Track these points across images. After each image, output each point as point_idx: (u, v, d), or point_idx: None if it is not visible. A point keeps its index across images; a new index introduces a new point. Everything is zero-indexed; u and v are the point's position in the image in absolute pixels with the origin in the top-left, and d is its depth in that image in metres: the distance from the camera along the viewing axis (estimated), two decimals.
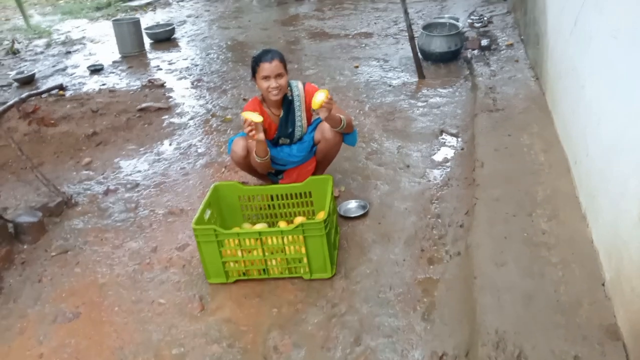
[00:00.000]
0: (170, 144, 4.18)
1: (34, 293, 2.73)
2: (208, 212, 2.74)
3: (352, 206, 3.11)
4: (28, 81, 5.99)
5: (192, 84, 5.43)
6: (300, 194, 2.87)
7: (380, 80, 4.96)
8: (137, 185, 3.63)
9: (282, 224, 2.88)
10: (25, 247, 3.08)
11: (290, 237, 2.50)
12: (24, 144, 4.16)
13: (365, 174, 3.45)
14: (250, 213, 2.96)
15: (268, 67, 2.76)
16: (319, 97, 2.67)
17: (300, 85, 2.98)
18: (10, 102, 4.66)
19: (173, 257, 2.89)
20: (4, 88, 5.91)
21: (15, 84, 5.97)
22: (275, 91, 2.82)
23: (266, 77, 2.78)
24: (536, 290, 2.16)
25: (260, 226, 2.86)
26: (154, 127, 4.50)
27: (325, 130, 2.97)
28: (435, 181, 3.30)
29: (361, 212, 3.03)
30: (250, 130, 2.66)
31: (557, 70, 3.34)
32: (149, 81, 5.51)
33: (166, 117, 4.68)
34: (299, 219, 2.84)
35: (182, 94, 5.19)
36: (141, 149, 4.14)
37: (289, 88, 2.95)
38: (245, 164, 3.04)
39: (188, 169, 3.78)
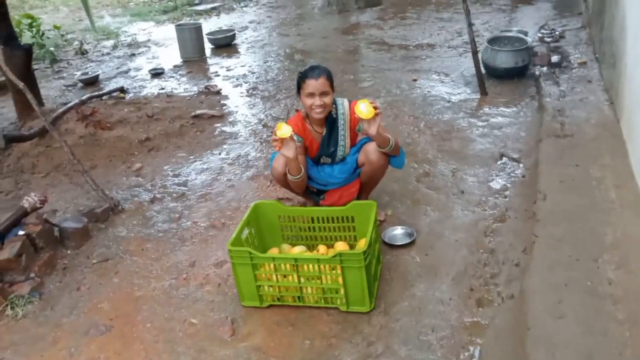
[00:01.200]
0: (219, 154, 4.15)
1: (71, 301, 2.73)
2: (246, 231, 2.65)
3: (397, 233, 2.93)
4: (92, 82, 6.18)
5: (248, 91, 5.40)
6: (342, 218, 2.72)
7: (439, 96, 4.74)
8: (183, 195, 3.61)
9: (322, 248, 2.74)
10: (68, 252, 3.11)
11: (327, 266, 2.36)
12: (79, 146, 4.25)
13: (414, 198, 3.26)
14: (289, 234, 2.84)
15: (314, 84, 2.64)
16: (364, 107, 2.53)
17: (346, 104, 2.84)
18: (71, 104, 4.79)
19: (210, 274, 2.82)
20: (69, 88, 6.13)
21: (80, 84, 6.18)
22: (319, 109, 2.70)
23: (311, 94, 2.67)
24: (597, 351, 1.92)
25: (299, 249, 2.74)
26: (206, 135, 4.48)
27: (370, 152, 2.81)
28: (492, 211, 3.06)
29: (407, 241, 2.85)
30: (275, 141, 2.57)
31: (636, 95, 3.02)
32: (206, 87, 5.53)
33: (218, 125, 4.66)
34: (339, 245, 2.70)
35: (237, 102, 5.17)
36: (191, 157, 4.12)
37: (333, 106, 2.82)
38: (285, 181, 2.92)
39: (234, 181, 3.72)
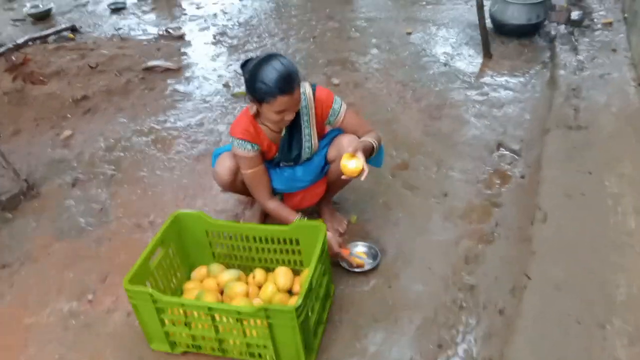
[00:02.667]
0: (165, 121, 3.49)
1: None
2: (157, 253, 2.08)
3: (358, 251, 2.36)
4: (43, 17, 5.40)
5: (214, 37, 4.65)
6: (285, 239, 2.14)
7: (434, 57, 4.00)
8: (111, 178, 3.00)
9: (259, 274, 2.18)
10: None
11: (251, 320, 1.80)
12: (2, 105, 3.59)
13: (386, 200, 2.65)
14: (221, 252, 2.27)
15: (288, 102, 1.95)
16: (354, 164, 1.99)
17: (309, 90, 2.16)
18: (2, 49, 4.07)
19: (121, 295, 2.27)
20: (17, 23, 5.35)
21: (30, 19, 5.40)
22: (287, 123, 2.07)
23: (281, 112, 1.98)
24: None
25: (231, 274, 2.18)
26: (154, 95, 3.81)
27: (343, 148, 2.18)
28: (478, 225, 2.46)
29: (368, 267, 2.28)
30: None
31: None
32: (167, 30, 4.77)
33: (172, 81, 3.97)
34: (280, 272, 2.14)
35: (199, 51, 4.43)
36: (131, 124, 3.47)
37: None
38: (232, 187, 2.32)
39: (176, 162, 3.10)
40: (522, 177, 2.73)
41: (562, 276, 1.98)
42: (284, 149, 2.21)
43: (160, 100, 3.73)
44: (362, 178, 1.98)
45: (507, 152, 2.92)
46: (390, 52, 4.12)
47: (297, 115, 2.15)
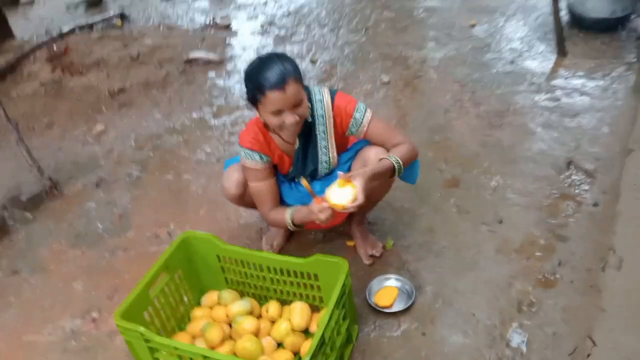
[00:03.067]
0: (200, 118, 3.28)
1: None
2: (160, 279, 1.86)
3: (390, 285, 2.04)
4: (96, 3, 5.34)
5: (262, 27, 4.39)
6: (302, 273, 1.86)
7: (500, 53, 3.55)
8: (137, 179, 2.83)
9: (273, 307, 1.92)
10: None
11: None
12: (38, 97, 3.52)
13: (430, 224, 2.31)
14: (234, 278, 2.03)
15: (280, 98, 1.65)
16: (333, 197, 1.67)
17: (327, 97, 1.85)
18: (45, 40, 4.00)
19: None
20: (70, 10, 5.32)
21: (83, 4, 5.36)
22: (293, 128, 1.75)
23: (278, 112, 1.70)
24: None
25: (242, 305, 1.93)
26: (193, 89, 3.61)
27: (370, 162, 1.87)
28: (538, 263, 2.08)
29: (400, 308, 1.96)
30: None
31: None
32: (213, 20, 4.56)
33: (213, 75, 3.75)
34: (297, 308, 1.86)
35: (244, 42, 4.19)
36: (165, 121, 3.29)
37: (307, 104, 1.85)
38: (242, 202, 2.07)
39: (204, 164, 2.88)
40: (595, 205, 2.29)
41: (637, 349, 1.58)
42: (298, 163, 1.92)
43: (198, 96, 3.53)
44: (351, 209, 1.65)
45: (579, 173, 2.48)
46: (450, 47, 3.71)
47: (312, 125, 1.85)
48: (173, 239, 2.42)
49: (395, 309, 1.96)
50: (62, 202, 2.73)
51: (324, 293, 1.88)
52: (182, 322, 1.99)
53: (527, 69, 3.34)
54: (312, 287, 1.88)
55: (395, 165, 1.79)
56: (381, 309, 1.94)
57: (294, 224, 1.89)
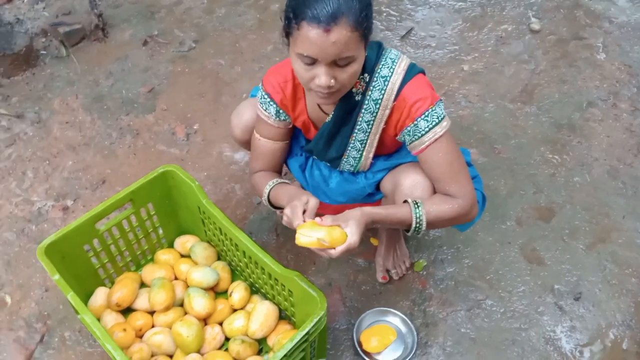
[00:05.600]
0: None
1: None
2: (122, 211, 1.51)
3: (389, 324, 1.57)
4: None
5: None
6: (277, 280, 1.42)
7: None
8: (188, 52, 2.39)
9: (239, 293, 1.53)
10: None
11: None
12: None
13: (485, 262, 1.73)
14: (212, 238, 1.63)
15: (317, 40, 1.05)
16: (303, 237, 1.14)
17: (398, 77, 1.22)
18: None
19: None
20: None
21: None
22: (323, 94, 1.16)
23: (307, 60, 1.10)
24: None
25: (206, 276, 1.56)
26: None
27: (403, 186, 1.31)
28: None
29: (402, 355, 1.50)
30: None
31: None
32: None
33: None
34: (259, 313, 1.46)
35: None
36: None
37: (363, 76, 1.23)
38: (247, 147, 1.58)
39: (265, 61, 2.35)
40: None
41: None
42: (320, 141, 1.36)
43: None
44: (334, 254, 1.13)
45: None
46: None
47: (359, 104, 1.26)
48: (190, 143, 2.04)
49: (382, 358, 1.50)
50: (101, 49, 2.39)
51: (296, 312, 1.45)
52: (144, 261, 1.68)
53: None
54: (285, 297, 1.45)
55: (414, 224, 1.22)
56: (363, 353, 1.50)
57: (269, 202, 1.41)
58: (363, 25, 1.07)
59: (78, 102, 2.17)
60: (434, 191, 1.27)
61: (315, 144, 1.38)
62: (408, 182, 1.28)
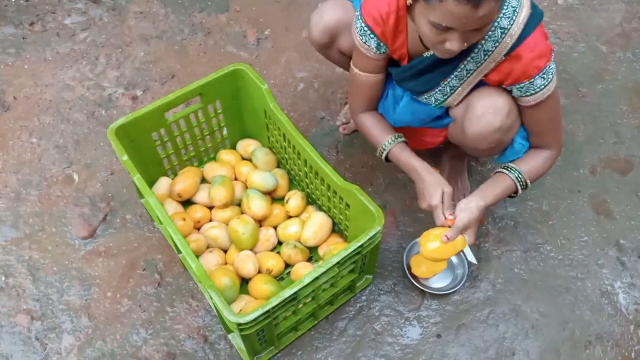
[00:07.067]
0: None
1: None
2: (191, 104, 1.51)
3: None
4: None
5: None
6: (335, 192, 1.41)
7: None
8: None
9: (295, 201, 1.55)
10: None
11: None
12: None
13: (552, 219, 1.66)
14: (275, 144, 1.63)
15: (462, 16, 0.95)
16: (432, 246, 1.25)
17: (517, 29, 1.09)
18: None
19: None
20: None
21: None
22: (449, 54, 1.10)
23: (441, 29, 1.01)
24: None
25: (265, 180, 1.57)
26: None
27: (474, 111, 1.22)
28: None
29: (436, 287, 1.50)
30: None
31: None
32: None
33: None
34: (314, 222, 1.48)
35: None
36: None
37: None
38: (325, 55, 1.52)
39: None
40: None
41: None
42: (409, 72, 1.29)
43: None
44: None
45: None
46: None
47: (461, 52, 1.14)
48: (260, 48, 2.01)
49: (430, 284, 1.50)
50: None
51: (350, 227, 1.45)
52: (208, 155, 1.70)
53: None
54: (340, 210, 1.45)
55: (519, 189, 1.27)
56: (411, 277, 1.50)
57: (386, 158, 1.39)
58: None
59: None
60: (507, 113, 1.19)
61: (401, 72, 1.30)
62: (480, 108, 1.20)
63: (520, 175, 1.25)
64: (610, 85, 1.93)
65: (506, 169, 1.27)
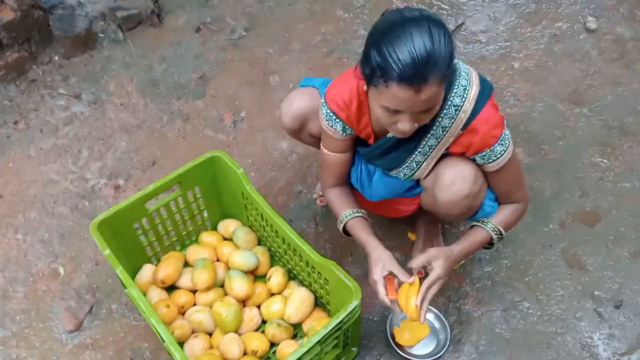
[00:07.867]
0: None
1: None
2: (171, 193, 1.58)
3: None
4: None
5: None
6: (314, 268, 1.46)
7: None
8: (238, 40, 2.43)
9: (277, 278, 1.59)
10: (56, 59, 2.34)
11: None
12: None
13: (524, 264, 1.71)
14: (254, 223, 1.69)
15: (407, 100, 1.07)
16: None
17: (469, 105, 1.20)
18: None
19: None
20: None
21: None
22: (404, 134, 1.19)
23: (392, 112, 1.12)
24: None
25: (246, 259, 1.61)
26: None
27: (442, 180, 1.30)
28: None
29: (420, 354, 1.52)
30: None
31: None
32: None
33: None
34: (296, 298, 1.51)
35: None
36: None
37: None
38: (297, 138, 1.62)
39: (315, 50, 2.38)
40: None
41: None
42: (376, 151, 1.38)
43: None
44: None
45: None
46: None
47: (421, 130, 1.24)
48: (236, 129, 2.11)
49: (414, 351, 1.52)
50: (156, 34, 2.46)
51: (331, 301, 1.48)
52: (190, 238, 1.75)
53: None
54: (320, 285, 1.49)
55: (494, 238, 1.37)
56: (395, 346, 1.52)
57: (344, 231, 1.47)
58: (448, 73, 1.09)
59: (132, 85, 2.26)
60: (474, 180, 1.27)
61: (369, 152, 1.39)
62: (448, 177, 1.28)
63: (495, 227, 1.34)
64: (571, 140, 2.03)
65: (481, 223, 1.36)
